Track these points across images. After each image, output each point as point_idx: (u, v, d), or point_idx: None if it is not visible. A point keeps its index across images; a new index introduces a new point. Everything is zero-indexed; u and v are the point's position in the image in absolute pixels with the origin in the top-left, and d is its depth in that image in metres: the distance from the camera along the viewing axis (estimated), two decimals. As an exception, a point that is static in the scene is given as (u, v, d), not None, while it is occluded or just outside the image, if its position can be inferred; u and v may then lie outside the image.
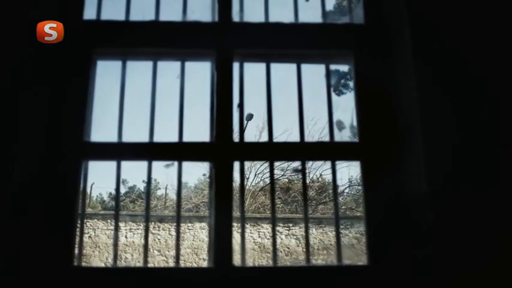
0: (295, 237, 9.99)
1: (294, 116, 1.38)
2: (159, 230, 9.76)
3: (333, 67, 1.47)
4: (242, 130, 1.36)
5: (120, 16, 1.39)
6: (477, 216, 1.10)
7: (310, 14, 1.46)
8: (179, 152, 1.29)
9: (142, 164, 1.30)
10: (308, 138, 12.67)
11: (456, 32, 1.24)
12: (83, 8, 1.37)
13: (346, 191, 13.66)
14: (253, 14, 1.40)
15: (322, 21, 1.43)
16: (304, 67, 1.41)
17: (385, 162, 1.27)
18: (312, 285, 1.19)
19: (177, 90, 1.36)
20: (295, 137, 1.36)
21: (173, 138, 1.32)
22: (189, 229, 9.74)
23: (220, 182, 1.24)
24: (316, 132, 13.35)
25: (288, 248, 9.90)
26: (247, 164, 10.51)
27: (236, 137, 1.30)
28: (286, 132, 13.03)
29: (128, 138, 1.31)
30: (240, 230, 1.32)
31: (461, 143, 1.15)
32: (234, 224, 1.22)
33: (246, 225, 9.55)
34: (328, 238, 9.36)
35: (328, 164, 1.35)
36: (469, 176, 1.13)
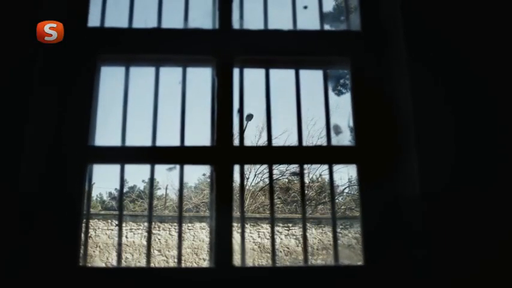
0: (294, 237, 10.03)
1: (294, 116, 1.42)
2: (159, 230, 9.80)
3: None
4: (242, 132, 1.40)
5: (123, 23, 1.43)
6: (471, 219, 1.14)
7: (309, 21, 1.50)
8: (181, 155, 1.33)
9: (143, 165, 1.34)
10: (308, 138, 12.71)
11: (452, 35, 1.28)
12: (87, 15, 1.41)
13: (346, 191, 13.70)
14: (253, 21, 1.44)
15: (320, 28, 1.47)
16: (303, 71, 1.45)
17: (381, 166, 1.31)
18: (310, 285, 1.23)
19: (179, 95, 1.40)
20: (294, 137, 1.40)
21: (175, 142, 1.36)
22: (189, 229, 9.78)
23: (221, 185, 1.28)
24: (316, 132, 13.38)
25: (288, 248, 9.94)
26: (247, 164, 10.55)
27: (236, 140, 1.34)
28: (286, 132, 13.08)
29: (131, 142, 1.35)
30: (240, 230, 1.36)
31: (456, 147, 1.19)
32: (234, 224, 1.26)
33: (246, 225, 9.59)
34: (328, 238, 9.39)
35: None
36: (463, 179, 1.17)
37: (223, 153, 1.30)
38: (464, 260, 1.12)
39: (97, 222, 9.63)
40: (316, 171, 13.15)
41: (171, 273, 1.26)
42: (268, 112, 1.40)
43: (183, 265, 1.32)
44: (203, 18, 1.47)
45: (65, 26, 1.35)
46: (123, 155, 1.33)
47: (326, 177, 13.28)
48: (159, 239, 9.69)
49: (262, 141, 13.22)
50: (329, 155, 1.35)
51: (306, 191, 12.76)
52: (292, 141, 11.43)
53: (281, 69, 1.45)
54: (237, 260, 1.25)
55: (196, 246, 9.71)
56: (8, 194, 1.11)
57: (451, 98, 1.24)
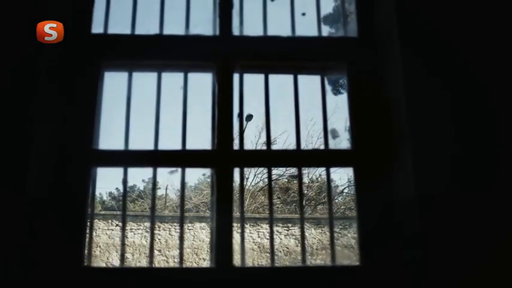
0: (294, 237, 10.07)
1: (293, 119, 1.45)
2: (159, 230, 9.83)
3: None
4: (242, 136, 1.44)
5: (126, 30, 1.46)
6: (466, 220, 1.17)
7: (307, 27, 1.54)
8: (182, 159, 1.37)
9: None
10: (307, 138, 12.74)
11: (449, 36, 1.31)
12: (91, 22, 1.45)
13: (346, 191, 13.75)
14: (253, 27, 1.47)
15: (318, 35, 1.51)
16: (302, 76, 1.49)
17: (377, 168, 1.35)
18: (308, 284, 1.27)
19: (180, 100, 1.44)
20: (294, 138, 1.44)
21: (177, 145, 1.40)
22: (189, 229, 9.82)
23: (221, 187, 1.32)
24: (316, 132, 13.42)
25: (287, 248, 9.98)
26: (246, 164, 10.57)
27: (236, 144, 1.38)
28: (285, 132, 13.11)
29: (134, 145, 1.38)
30: (239, 230, 1.40)
31: (452, 150, 1.22)
32: (234, 225, 1.30)
33: (246, 226, 9.63)
34: (327, 238, 9.43)
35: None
36: (458, 181, 1.20)
37: (224, 156, 1.34)
38: (459, 261, 1.15)
39: (97, 222, 9.67)
40: (315, 172, 13.20)
41: (173, 273, 1.30)
42: (267, 117, 1.44)
43: (183, 265, 1.36)
44: (204, 25, 1.51)
45: (70, 33, 1.40)
46: (126, 158, 1.37)
47: (325, 177, 13.32)
48: (159, 239, 9.73)
49: (262, 141, 13.27)
50: (326, 158, 1.39)
51: (306, 191, 12.80)
52: (292, 141, 11.45)
53: (280, 75, 1.48)
54: (237, 260, 1.28)
55: (196, 246, 9.75)
56: (16, 197, 1.14)
57: (447, 101, 1.27)
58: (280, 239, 10.04)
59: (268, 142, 1.42)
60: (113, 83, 1.53)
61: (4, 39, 1.26)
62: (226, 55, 1.44)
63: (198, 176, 16.34)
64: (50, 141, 1.30)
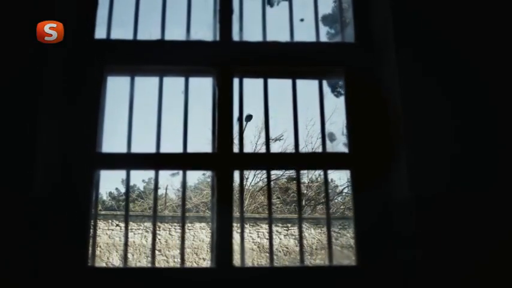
0: (293, 237, 10.11)
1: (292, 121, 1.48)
2: (159, 230, 9.87)
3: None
4: (241, 139, 1.47)
5: (129, 35, 1.50)
6: (460, 222, 1.21)
7: (306, 31, 1.57)
8: (184, 161, 1.41)
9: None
10: (307, 138, 12.78)
11: (446, 41, 1.35)
12: (94, 28, 1.48)
13: (345, 190, 13.78)
14: (252, 33, 1.51)
15: (316, 40, 1.54)
16: (300, 80, 1.52)
17: (374, 171, 1.38)
18: (306, 284, 1.30)
19: (182, 104, 1.47)
20: (293, 138, 1.47)
21: (178, 148, 1.43)
22: (189, 229, 9.85)
23: (222, 189, 1.35)
24: (315, 132, 13.46)
25: (287, 247, 10.02)
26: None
27: (237, 144, 1.41)
28: (285, 132, 13.15)
29: (136, 149, 1.42)
30: (239, 230, 1.43)
31: (446, 153, 1.26)
32: (234, 225, 1.33)
33: (245, 226, 9.66)
34: (326, 238, 9.44)
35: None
36: (453, 183, 1.24)
37: (224, 159, 1.37)
38: (453, 261, 1.18)
39: (98, 222, 9.68)
40: (315, 172, 13.23)
41: (175, 273, 1.34)
42: (266, 120, 1.47)
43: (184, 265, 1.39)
44: (204, 30, 1.54)
45: (74, 38, 1.43)
46: (129, 161, 1.41)
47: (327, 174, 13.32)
48: (159, 239, 9.76)
49: (262, 141, 13.30)
50: (324, 161, 1.42)
51: (305, 191, 12.83)
52: (291, 141, 11.48)
53: (279, 79, 1.51)
54: (236, 260, 1.32)
55: (196, 246, 9.79)
56: (21, 199, 1.18)
57: (443, 103, 1.30)
58: (280, 239, 10.08)
59: (268, 145, 1.45)
60: (116, 87, 1.56)
61: (11, 46, 1.29)
62: (227, 60, 1.47)
63: (198, 176, 16.37)
64: (55, 145, 1.33)
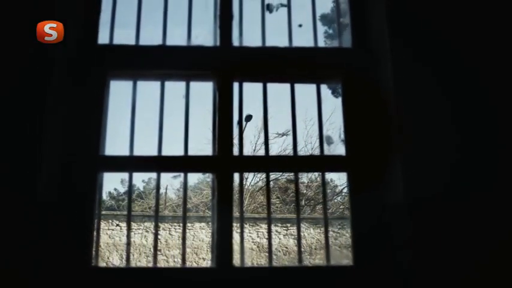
0: (293, 236, 10.14)
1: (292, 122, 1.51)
2: (159, 230, 9.90)
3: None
4: (241, 139, 1.51)
5: (131, 41, 1.53)
6: (453, 225, 1.24)
7: (304, 38, 1.61)
8: (185, 164, 1.44)
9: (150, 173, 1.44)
10: (307, 138, 12.81)
11: (442, 47, 1.38)
12: (97, 33, 1.52)
13: (345, 190, 13.81)
14: (252, 38, 1.54)
15: (314, 45, 1.58)
16: (298, 85, 1.56)
17: (370, 174, 1.41)
18: (304, 283, 1.34)
19: (183, 108, 1.51)
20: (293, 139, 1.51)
21: (179, 151, 1.47)
22: (189, 229, 9.88)
23: (222, 191, 1.38)
24: (315, 132, 13.49)
25: (286, 247, 10.06)
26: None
27: (236, 145, 1.45)
28: (286, 131, 13.17)
29: (138, 151, 1.45)
30: (239, 230, 1.47)
31: (441, 158, 1.29)
32: (234, 225, 1.36)
33: (245, 225, 9.69)
34: (327, 237, 9.46)
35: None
36: (446, 187, 1.27)
37: (224, 162, 1.41)
38: (447, 262, 1.22)
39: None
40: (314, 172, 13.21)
41: (177, 273, 1.38)
42: (265, 124, 1.50)
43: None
44: (205, 35, 1.58)
45: (77, 44, 1.47)
46: (131, 163, 1.44)
47: (325, 177, 13.34)
48: (159, 239, 9.79)
49: (261, 141, 13.33)
50: (321, 163, 1.46)
51: (305, 191, 12.86)
52: (291, 141, 11.50)
53: (277, 84, 1.55)
54: (236, 260, 1.35)
55: (196, 246, 9.82)
56: (27, 201, 1.21)
57: (439, 109, 1.33)
58: (279, 238, 10.12)
59: (266, 147, 1.49)
60: (118, 91, 1.59)
61: (16, 50, 1.32)
62: (227, 65, 1.51)
63: (198, 176, 16.38)
64: (59, 148, 1.36)
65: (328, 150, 11.25)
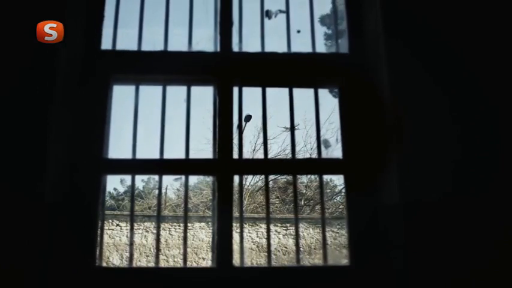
0: (292, 236, 10.18)
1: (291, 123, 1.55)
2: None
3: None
4: (241, 143, 1.55)
5: (133, 46, 1.57)
6: (445, 227, 1.28)
7: (302, 43, 1.64)
8: (186, 167, 1.48)
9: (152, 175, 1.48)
10: (306, 138, 12.84)
11: (437, 53, 1.42)
12: (101, 39, 1.55)
13: (344, 190, 13.80)
14: (251, 44, 1.58)
15: (312, 51, 1.62)
16: (296, 89, 1.60)
17: (366, 176, 1.45)
18: (302, 283, 1.38)
19: (184, 112, 1.54)
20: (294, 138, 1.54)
21: (181, 154, 1.51)
22: (189, 229, 9.91)
23: (222, 194, 1.42)
24: (314, 132, 13.52)
25: (286, 247, 10.09)
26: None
27: (237, 146, 1.48)
28: (284, 132, 13.21)
29: (141, 154, 1.49)
30: (238, 230, 1.51)
31: (435, 163, 1.32)
32: (234, 225, 1.40)
33: (245, 225, 9.73)
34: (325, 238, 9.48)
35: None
36: (440, 190, 1.31)
37: (224, 165, 1.45)
38: (440, 263, 1.26)
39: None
40: (314, 172, 13.22)
41: (178, 273, 1.41)
42: (264, 127, 1.54)
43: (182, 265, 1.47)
44: (205, 41, 1.61)
45: (81, 49, 1.51)
46: (134, 166, 1.48)
47: (324, 177, 13.38)
48: (156, 237, 9.78)
49: (261, 141, 13.36)
50: (319, 166, 1.50)
51: (304, 191, 12.89)
52: (290, 141, 11.52)
53: (276, 88, 1.59)
54: (236, 260, 1.39)
55: (196, 246, 9.85)
56: (34, 204, 1.25)
57: (435, 114, 1.37)
58: (279, 238, 10.15)
59: (265, 152, 1.52)
60: (121, 95, 1.63)
61: (23, 58, 1.35)
62: (227, 70, 1.54)
63: (198, 176, 16.40)
64: (64, 151, 1.40)
65: (326, 153, 11.31)
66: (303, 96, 1.68)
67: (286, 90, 1.59)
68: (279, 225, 10.21)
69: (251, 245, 9.90)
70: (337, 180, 14.40)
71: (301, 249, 9.55)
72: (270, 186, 12.41)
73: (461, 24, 1.46)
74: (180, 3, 1.64)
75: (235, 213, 1.44)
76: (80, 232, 1.36)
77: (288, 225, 10.26)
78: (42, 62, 1.36)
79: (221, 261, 1.37)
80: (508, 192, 1.32)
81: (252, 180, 13.86)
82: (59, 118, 1.37)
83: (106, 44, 1.56)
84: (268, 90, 1.58)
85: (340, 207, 13.32)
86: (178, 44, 1.57)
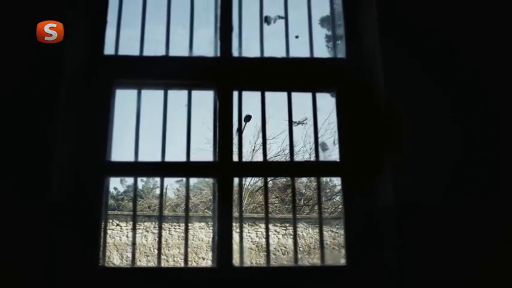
0: (292, 236, 10.22)
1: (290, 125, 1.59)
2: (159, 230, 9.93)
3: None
4: (240, 146, 1.58)
5: (135, 51, 1.61)
6: (438, 228, 1.32)
7: (300, 48, 1.68)
8: (187, 169, 1.52)
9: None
10: (306, 138, 12.87)
11: (432, 60, 1.46)
12: (104, 44, 1.59)
13: (341, 192, 13.80)
14: (250, 49, 1.62)
15: (310, 56, 1.65)
16: (295, 93, 1.63)
17: (362, 179, 1.49)
18: (300, 282, 1.42)
19: (185, 115, 1.58)
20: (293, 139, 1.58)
21: (182, 157, 1.54)
22: (189, 229, 9.92)
23: (222, 195, 1.46)
24: (314, 132, 13.49)
25: (285, 247, 10.12)
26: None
27: (237, 147, 1.52)
28: (283, 132, 13.23)
29: (143, 157, 1.53)
30: (238, 230, 1.54)
31: (430, 166, 1.36)
32: (234, 225, 1.44)
33: (244, 225, 9.76)
34: (324, 237, 9.51)
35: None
36: (431, 195, 1.34)
37: (224, 167, 1.49)
38: (433, 264, 1.29)
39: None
40: (313, 171, 13.22)
41: (180, 272, 1.45)
42: (263, 131, 1.58)
43: (182, 265, 1.51)
44: (206, 47, 1.65)
45: (85, 54, 1.54)
46: (136, 169, 1.52)
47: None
48: (157, 238, 9.80)
49: (260, 141, 13.35)
50: (317, 169, 1.54)
51: (304, 191, 12.91)
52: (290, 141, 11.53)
53: (275, 92, 1.62)
54: (236, 260, 1.43)
55: (195, 246, 9.87)
56: (41, 206, 1.28)
57: (431, 118, 1.40)
58: (278, 238, 10.18)
59: (264, 155, 1.56)
60: (124, 99, 1.66)
61: (27, 63, 1.39)
62: (227, 74, 1.58)
63: (198, 178, 16.39)
64: (68, 155, 1.43)
65: (324, 156, 11.35)
66: (303, 96, 1.72)
67: (285, 93, 1.62)
68: (279, 225, 10.24)
69: (250, 245, 9.93)
70: (337, 180, 14.43)
71: (301, 249, 9.58)
72: (270, 186, 12.43)
73: (461, 25, 1.50)
74: (181, 9, 1.68)
75: (235, 213, 1.47)
76: (84, 233, 1.40)
77: (288, 225, 10.30)
78: (48, 67, 1.39)
79: (221, 261, 1.41)
80: (507, 193, 1.35)
81: (252, 180, 13.88)
82: (63, 121, 1.41)
83: (109, 49, 1.59)
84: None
85: (340, 207, 13.35)
86: (179, 49, 1.61)
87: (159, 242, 1.52)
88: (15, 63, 1.38)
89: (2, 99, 1.35)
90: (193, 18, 1.67)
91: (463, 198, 1.35)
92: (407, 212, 1.33)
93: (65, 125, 1.42)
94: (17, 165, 1.30)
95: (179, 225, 9.89)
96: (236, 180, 1.51)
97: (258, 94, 1.62)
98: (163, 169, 1.51)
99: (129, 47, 1.60)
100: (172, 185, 14.80)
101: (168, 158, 1.53)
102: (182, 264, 1.51)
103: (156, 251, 9.83)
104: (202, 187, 14.19)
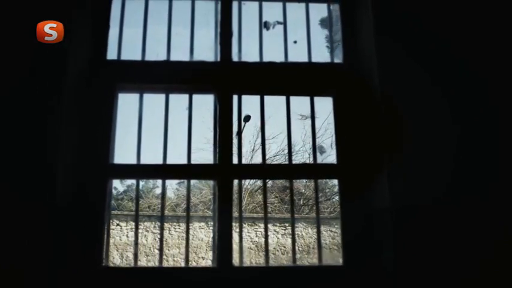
0: (291, 236, 10.24)
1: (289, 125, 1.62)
2: (158, 230, 9.99)
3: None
4: (240, 149, 1.62)
5: (137, 56, 1.64)
6: (437, 230, 1.35)
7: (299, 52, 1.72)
8: (188, 172, 1.56)
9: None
10: (305, 138, 12.91)
11: (427, 64, 1.49)
12: (106, 49, 1.63)
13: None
14: (250, 54, 1.66)
15: (308, 60, 1.69)
16: (293, 97, 1.67)
17: (359, 181, 1.53)
18: (298, 281, 1.45)
19: (186, 119, 1.61)
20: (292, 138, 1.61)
21: (183, 160, 1.58)
22: (189, 228, 9.96)
23: (222, 197, 1.50)
24: (311, 135, 13.53)
25: (285, 247, 10.16)
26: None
27: (236, 149, 1.56)
28: (282, 133, 13.28)
29: (145, 160, 1.56)
30: (238, 230, 1.58)
31: (426, 169, 1.39)
32: (234, 224, 1.47)
33: (244, 225, 9.80)
34: (323, 237, 9.59)
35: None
36: (427, 197, 1.37)
37: (224, 170, 1.52)
38: (428, 265, 1.33)
39: (98, 221, 9.74)
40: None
41: (181, 272, 1.49)
42: (262, 133, 1.62)
43: (183, 265, 1.54)
44: (206, 51, 1.69)
45: (88, 59, 1.58)
46: (138, 171, 1.55)
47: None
48: (159, 238, 9.84)
49: (260, 141, 13.37)
50: (314, 171, 1.57)
51: (303, 190, 12.96)
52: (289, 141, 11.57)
53: (274, 96, 1.66)
54: (235, 260, 1.47)
55: (195, 245, 9.91)
56: (46, 207, 1.32)
57: (426, 120, 1.43)
58: (278, 238, 10.22)
59: (264, 157, 1.60)
60: (126, 103, 1.70)
61: (30, 67, 1.42)
62: (226, 79, 1.62)
63: (198, 180, 16.38)
64: (72, 157, 1.47)
65: (321, 159, 11.37)
66: (302, 98, 1.75)
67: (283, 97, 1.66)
68: (278, 225, 10.28)
69: (250, 245, 9.97)
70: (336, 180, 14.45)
71: (300, 248, 9.62)
72: (269, 186, 12.46)
73: (460, 25, 1.53)
74: (182, 14, 1.71)
75: (235, 213, 1.51)
76: (87, 234, 1.44)
77: (287, 225, 10.33)
78: (51, 71, 1.42)
79: (221, 261, 1.44)
80: (507, 193, 1.37)
81: (252, 180, 13.93)
82: (67, 125, 1.44)
83: (111, 53, 1.63)
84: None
85: (339, 207, 13.37)
86: (180, 53, 1.64)
87: (161, 243, 1.55)
88: (19, 64, 1.41)
89: (6, 100, 1.37)
90: (194, 23, 1.71)
91: (462, 198, 1.37)
92: (404, 214, 1.36)
93: (69, 128, 1.46)
94: (21, 167, 1.33)
95: (179, 225, 9.93)
96: (236, 181, 1.54)
97: (257, 98, 1.65)
98: (164, 171, 1.55)
99: (131, 49, 1.63)
100: (172, 185, 14.83)
101: (169, 159, 1.56)
102: (183, 264, 1.54)
103: (156, 250, 9.86)
104: (202, 187, 14.22)
